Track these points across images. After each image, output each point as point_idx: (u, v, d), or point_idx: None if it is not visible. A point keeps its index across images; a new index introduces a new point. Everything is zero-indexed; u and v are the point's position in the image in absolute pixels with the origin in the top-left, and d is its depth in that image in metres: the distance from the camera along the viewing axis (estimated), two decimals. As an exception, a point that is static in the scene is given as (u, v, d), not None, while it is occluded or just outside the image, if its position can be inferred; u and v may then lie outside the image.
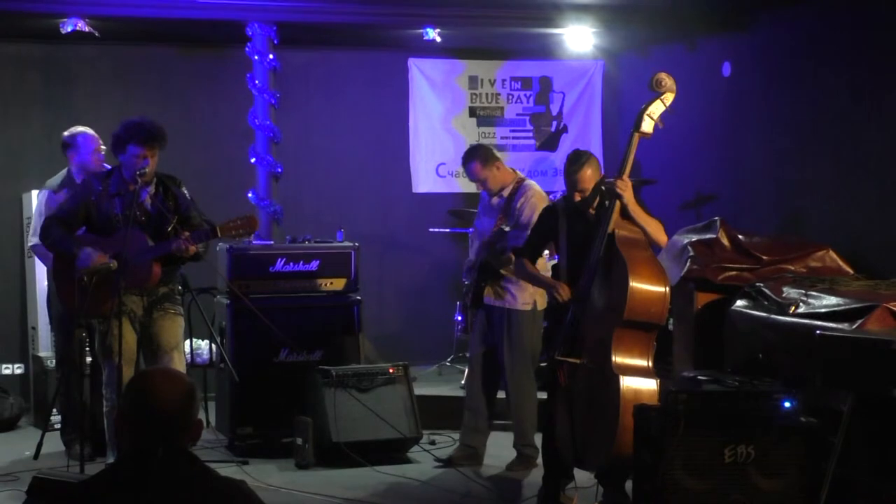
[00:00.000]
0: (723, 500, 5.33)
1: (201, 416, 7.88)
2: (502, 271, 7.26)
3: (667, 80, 6.15)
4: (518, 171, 7.62)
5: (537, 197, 7.30)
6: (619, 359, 5.94)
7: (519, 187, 7.38)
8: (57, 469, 6.61)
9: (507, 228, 7.21)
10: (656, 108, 6.12)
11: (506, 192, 7.39)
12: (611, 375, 5.90)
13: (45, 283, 8.96)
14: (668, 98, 6.13)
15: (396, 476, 7.26)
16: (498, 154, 7.66)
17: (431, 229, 10.11)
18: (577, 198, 6.26)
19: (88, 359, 7.62)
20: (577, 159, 6.30)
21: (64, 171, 7.77)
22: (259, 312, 7.51)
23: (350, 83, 10.46)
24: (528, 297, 7.27)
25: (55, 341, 8.20)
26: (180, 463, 3.11)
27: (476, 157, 7.43)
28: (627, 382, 5.87)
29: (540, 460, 6.86)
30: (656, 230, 6.17)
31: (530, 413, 7.42)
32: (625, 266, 5.92)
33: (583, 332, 6.15)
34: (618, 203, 6.04)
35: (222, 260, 8.00)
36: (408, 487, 7.08)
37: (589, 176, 6.23)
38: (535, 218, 6.98)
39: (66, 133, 7.77)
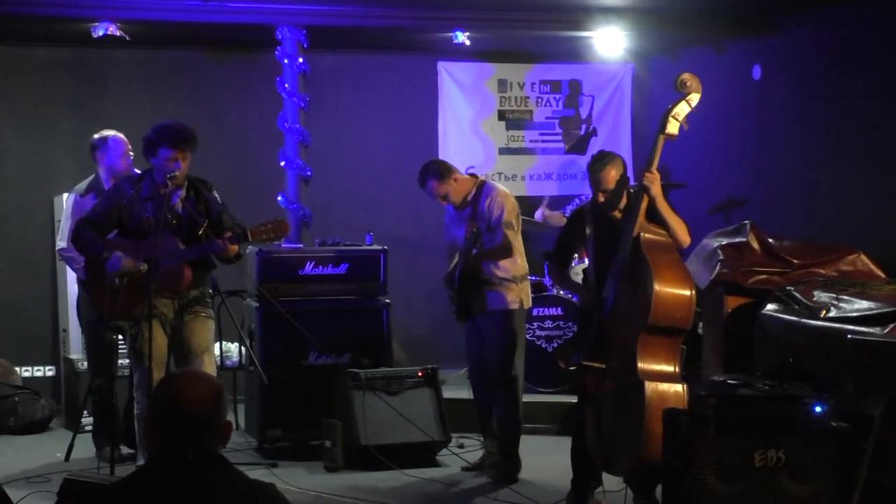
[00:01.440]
0: (753, 505, 5.31)
1: (231, 418, 7.89)
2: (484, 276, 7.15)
3: (692, 81, 6.10)
4: (478, 175, 7.51)
5: (502, 195, 7.22)
6: (644, 364, 5.91)
7: (481, 190, 7.27)
8: (87, 471, 6.63)
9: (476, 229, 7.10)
10: (681, 110, 6.07)
11: (469, 198, 7.28)
12: (637, 380, 5.87)
13: (76, 286, 9.03)
14: (694, 99, 6.09)
15: (425, 479, 7.26)
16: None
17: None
18: (601, 198, 6.24)
19: (122, 361, 7.68)
20: (601, 159, 6.28)
21: (92, 176, 7.82)
22: (288, 315, 7.53)
23: (379, 86, 10.48)
24: (513, 297, 7.19)
25: (85, 347, 8.24)
26: (210, 465, 3.12)
27: (431, 175, 7.28)
28: (653, 388, 5.84)
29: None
30: (681, 229, 6.12)
31: (517, 417, 7.29)
32: (649, 270, 5.88)
33: (609, 336, 6.13)
34: (644, 200, 6.01)
35: (252, 263, 8.02)
36: (436, 491, 7.08)
37: (612, 176, 6.20)
38: (505, 215, 7.08)
39: (95, 136, 7.81)
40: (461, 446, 7.92)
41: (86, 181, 7.81)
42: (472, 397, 7.58)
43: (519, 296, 7.23)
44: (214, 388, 3.22)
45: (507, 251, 7.15)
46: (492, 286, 7.17)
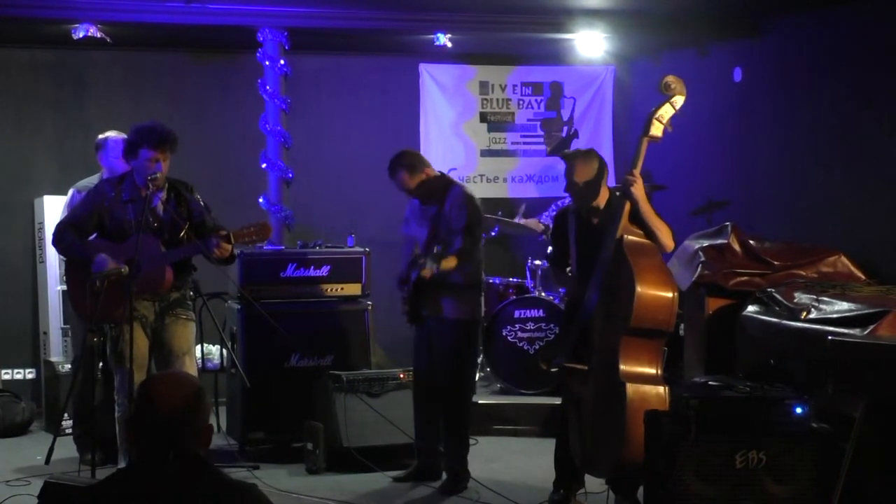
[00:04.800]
0: (734, 506, 5.32)
1: (212, 420, 7.87)
2: (429, 269, 6.86)
3: (676, 84, 6.11)
4: (447, 174, 7.30)
5: (468, 200, 7.00)
6: (626, 366, 5.92)
7: (448, 192, 7.05)
8: (68, 474, 6.61)
9: (436, 249, 6.86)
10: (666, 112, 6.08)
11: (437, 197, 7.06)
12: (618, 382, 5.88)
13: (56, 289, 9.02)
14: (678, 101, 6.10)
15: (407, 481, 7.25)
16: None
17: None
18: (572, 196, 6.29)
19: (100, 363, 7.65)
20: (573, 157, 6.32)
21: (97, 174, 7.86)
22: (270, 318, 7.52)
23: (361, 88, 10.47)
24: (465, 307, 7.02)
25: (73, 339, 8.23)
26: (191, 467, 3.11)
27: (403, 166, 7.05)
28: (635, 390, 5.85)
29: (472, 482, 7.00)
30: (664, 233, 6.12)
31: (466, 430, 7.19)
32: (631, 273, 5.88)
33: (591, 338, 6.13)
34: (627, 203, 6.01)
35: (233, 265, 8.00)
36: (418, 493, 7.08)
37: (584, 172, 6.20)
38: (466, 220, 6.89)
39: (100, 136, 7.84)
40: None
41: (90, 178, 7.83)
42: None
43: (471, 306, 7.07)
44: (194, 390, 3.21)
45: (464, 257, 6.93)
46: (447, 292, 6.98)
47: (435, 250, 6.80)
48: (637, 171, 6.02)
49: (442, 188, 7.10)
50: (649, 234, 6.08)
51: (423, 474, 7.28)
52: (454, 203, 6.99)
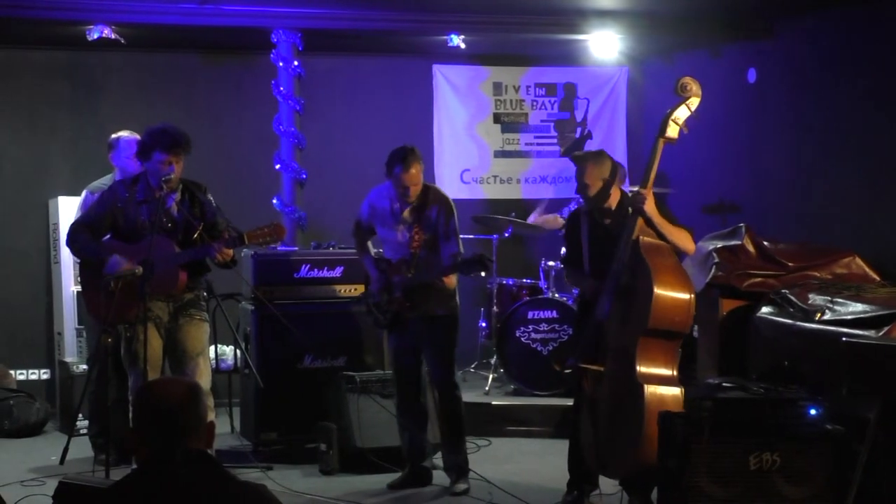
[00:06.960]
0: (748, 508, 5.31)
1: (226, 421, 7.85)
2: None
3: (692, 85, 6.11)
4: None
5: (450, 201, 6.98)
6: (643, 367, 5.91)
7: (427, 195, 6.97)
8: (83, 474, 6.63)
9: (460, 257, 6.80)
10: (682, 113, 6.07)
11: (417, 201, 6.95)
12: (635, 384, 5.88)
13: (70, 289, 9.05)
14: (694, 103, 6.09)
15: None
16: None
17: (455, 235, 10.09)
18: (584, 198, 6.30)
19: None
20: (583, 160, 6.33)
21: (109, 174, 7.88)
22: (283, 318, 7.52)
23: (374, 89, 10.48)
24: (454, 302, 7.01)
25: (88, 339, 8.24)
26: (200, 466, 3.13)
27: (419, 159, 6.88)
28: (652, 391, 5.84)
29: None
30: (683, 239, 6.13)
31: (462, 421, 7.14)
32: (649, 274, 5.88)
33: (607, 338, 6.13)
34: (639, 220, 6.01)
35: (247, 266, 8.01)
36: (431, 494, 7.07)
37: (595, 175, 6.21)
38: (455, 221, 6.89)
39: (112, 135, 7.87)
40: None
41: (102, 179, 7.86)
42: (469, 400, 7.36)
43: (453, 299, 7.03)
44: (188, 386, 3.29)
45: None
46: (442, 290, 6.91)
47: (459, 257, 6.83)
48: (648, 188, 6.01)
49: (423, 191, 7.00)
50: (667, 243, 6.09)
51: (417, 479, 7.20)
52: (440, 207, 6.94)
